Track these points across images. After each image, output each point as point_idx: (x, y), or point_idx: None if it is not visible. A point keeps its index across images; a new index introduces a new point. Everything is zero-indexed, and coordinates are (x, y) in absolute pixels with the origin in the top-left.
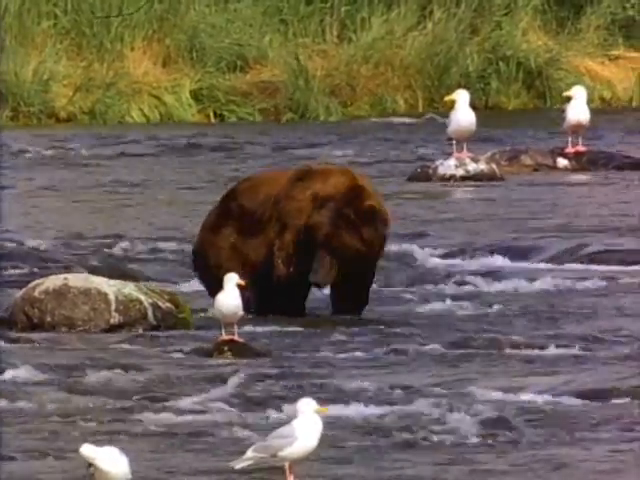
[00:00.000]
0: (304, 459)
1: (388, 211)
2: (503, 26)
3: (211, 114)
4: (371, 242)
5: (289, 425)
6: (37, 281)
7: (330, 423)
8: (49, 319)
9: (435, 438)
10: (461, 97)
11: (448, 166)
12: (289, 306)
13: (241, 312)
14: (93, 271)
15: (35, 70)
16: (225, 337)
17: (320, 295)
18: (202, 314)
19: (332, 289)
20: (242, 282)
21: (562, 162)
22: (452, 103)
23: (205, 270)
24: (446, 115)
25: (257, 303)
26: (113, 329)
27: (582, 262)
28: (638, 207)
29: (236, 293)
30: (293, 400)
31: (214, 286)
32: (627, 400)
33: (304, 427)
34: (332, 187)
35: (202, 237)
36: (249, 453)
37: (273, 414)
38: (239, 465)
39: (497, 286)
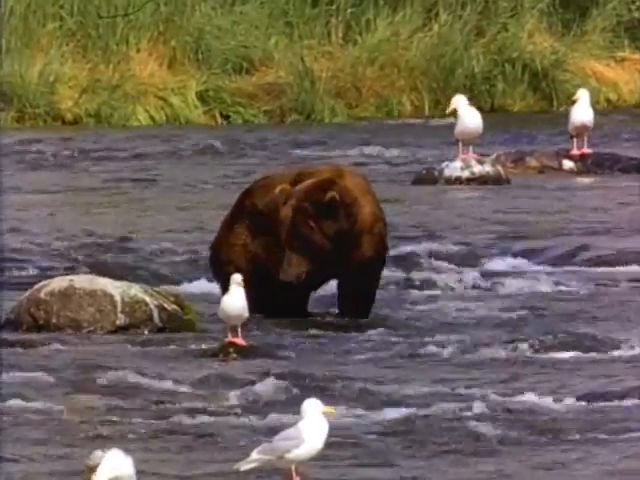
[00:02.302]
0: (310, 460)
1: (374, 211)
2: (509, 28)
3: (217, 115)
4: (337, 237)
5: (295, 427)
6: (42, 282)
7: (336, 425)
8: (55, 320)
9: (441, 440)
10: (460, 102)
11: (454, 168)
12: (290, 307)
13: (246, 314)
14: (98, 272)
15: (41, 72)
16: (230, 339)
17: (325, 296)
18: (207, 316)
19: (338, 290)
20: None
21: (568, 164)
22: (455, 112)
23: (218, 267)
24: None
25: (264, 303)
26: (119, 331)
27: (587, 264)
28: None
29: (242, 295)
30: (299, 401)
31: (226, 283)
32: (630, 402)
33: (310, 428)
34: (303, 184)
35: (219, 233)
36: (254, 455)
37: (279, 415)
38: (244, 467)
39: (503, 288)
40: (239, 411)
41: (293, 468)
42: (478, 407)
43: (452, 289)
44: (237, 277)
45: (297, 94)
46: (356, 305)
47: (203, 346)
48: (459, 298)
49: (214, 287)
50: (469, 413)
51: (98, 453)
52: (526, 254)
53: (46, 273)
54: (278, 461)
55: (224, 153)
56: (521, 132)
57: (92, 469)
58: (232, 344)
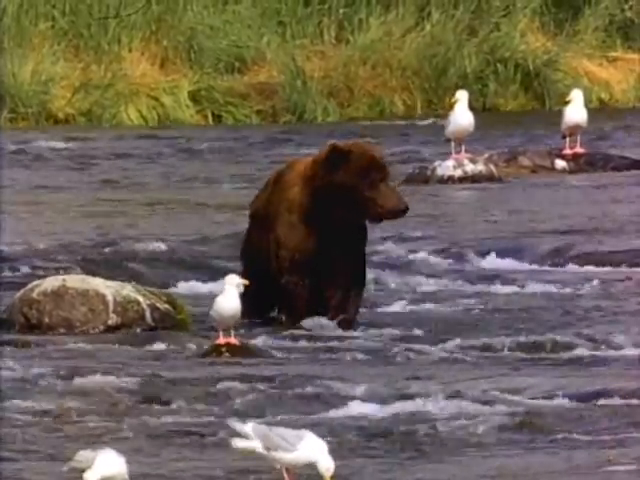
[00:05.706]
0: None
1: None
2: (501, 28)
3: (209, 115)
4: None
5: (297, 434)
6: (35, 282)
7: (330, 426)
8: (47, 320)
9: (437, 440)
10: (463, 97)
11: (446, 167)
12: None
13: (239, 315)
14: (91, 272)
15: (33, 71)
16: (223, 338)
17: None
18: (200, 315)
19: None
20: (245, 282)
21: (560, 163)
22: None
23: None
24: (444, 117)
25: (259, 301)
26: (111, 330)
27: (580, 263)
28: (636, 208)
29: (235, 296)
30: (291, 402)
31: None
32: (621, 402)
33: (310, 445)
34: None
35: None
36: (249, 430)
37: (270, 416)
38: (240, 445)
39: (494, 287)
40: (231, 411)
41: (284, 468)
42: (470, 407)
43: (443, 288)
44: (232, 277)
45: (289, 94)
46: (351, 300)
47: (195, 346)
48: (450, 297)
49: (206, 287)
50: (462, 413)
51: (84, 453)
52: (518, 253)
53: (39, 273)
54: (269, 455)
55: (216, 153)
56: (513, 132)
57: (83, 469)
58: (225, 344)
